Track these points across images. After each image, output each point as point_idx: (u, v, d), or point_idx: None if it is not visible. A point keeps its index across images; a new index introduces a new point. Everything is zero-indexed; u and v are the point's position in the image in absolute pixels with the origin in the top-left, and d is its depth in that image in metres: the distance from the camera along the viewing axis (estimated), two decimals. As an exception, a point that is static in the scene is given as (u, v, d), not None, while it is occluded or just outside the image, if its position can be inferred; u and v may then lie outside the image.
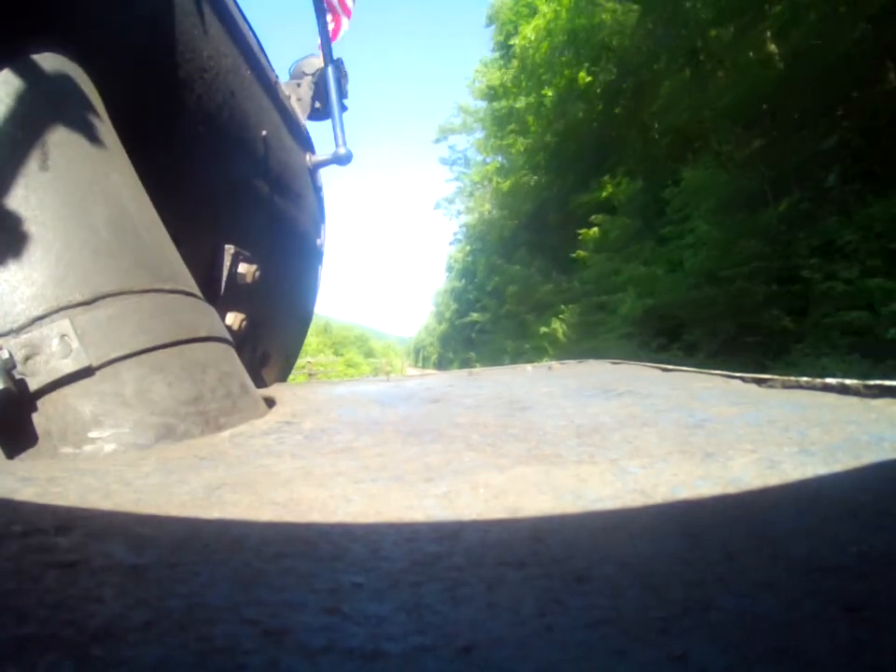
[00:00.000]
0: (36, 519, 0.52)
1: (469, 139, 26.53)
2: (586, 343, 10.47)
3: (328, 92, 2.48)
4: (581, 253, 11.71)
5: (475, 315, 22.66)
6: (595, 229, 11.46)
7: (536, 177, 15.97)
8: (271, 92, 2.06)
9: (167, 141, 1.43)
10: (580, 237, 11.79)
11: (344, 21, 3.46)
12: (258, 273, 1.83)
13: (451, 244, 33.23)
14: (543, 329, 12.68)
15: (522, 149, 16.65)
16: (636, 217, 10.54)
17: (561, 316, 12.13)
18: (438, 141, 28.03)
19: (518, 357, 13.96)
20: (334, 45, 2.62)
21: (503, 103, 17.68)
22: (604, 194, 11.75)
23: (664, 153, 10.87)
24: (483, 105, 22.93)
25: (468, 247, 29.48)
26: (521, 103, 16.02)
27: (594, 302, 11.19)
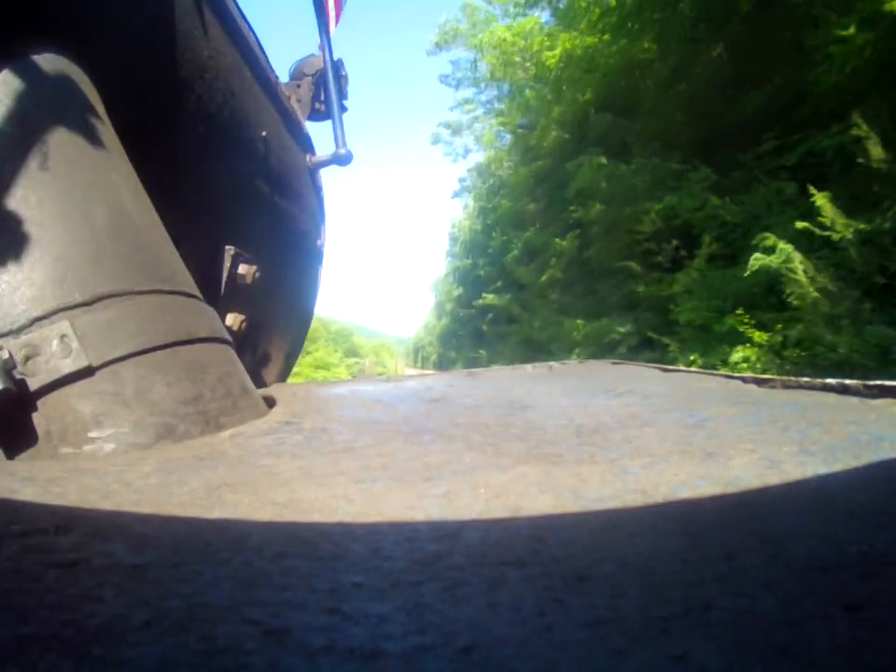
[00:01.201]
0: (36, 519, 0.52)
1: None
2: None
3: (328, 93, 2.49)
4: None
5: (489, 298, 15.40)
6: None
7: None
8: (271, 93, 2.06)
9: (167, 141, 1.43)
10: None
11: (331, 24, 3.50)
12: (257, 274, 1.83)
13: (454, 195, 23.78)
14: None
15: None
16: None
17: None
18: (435, 51, 18.06)
19: (607, 350, 6.41)
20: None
21: None
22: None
23: None
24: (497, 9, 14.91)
25: (477, 206, 20.58)
26: None
27: None
